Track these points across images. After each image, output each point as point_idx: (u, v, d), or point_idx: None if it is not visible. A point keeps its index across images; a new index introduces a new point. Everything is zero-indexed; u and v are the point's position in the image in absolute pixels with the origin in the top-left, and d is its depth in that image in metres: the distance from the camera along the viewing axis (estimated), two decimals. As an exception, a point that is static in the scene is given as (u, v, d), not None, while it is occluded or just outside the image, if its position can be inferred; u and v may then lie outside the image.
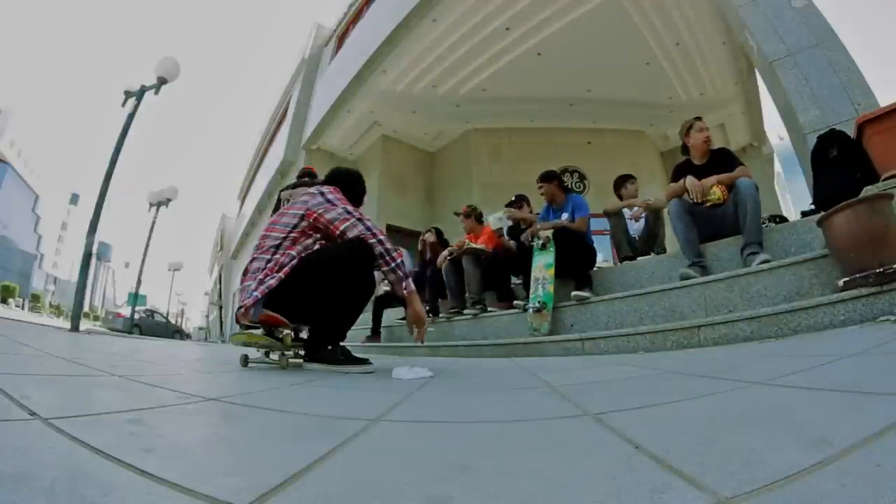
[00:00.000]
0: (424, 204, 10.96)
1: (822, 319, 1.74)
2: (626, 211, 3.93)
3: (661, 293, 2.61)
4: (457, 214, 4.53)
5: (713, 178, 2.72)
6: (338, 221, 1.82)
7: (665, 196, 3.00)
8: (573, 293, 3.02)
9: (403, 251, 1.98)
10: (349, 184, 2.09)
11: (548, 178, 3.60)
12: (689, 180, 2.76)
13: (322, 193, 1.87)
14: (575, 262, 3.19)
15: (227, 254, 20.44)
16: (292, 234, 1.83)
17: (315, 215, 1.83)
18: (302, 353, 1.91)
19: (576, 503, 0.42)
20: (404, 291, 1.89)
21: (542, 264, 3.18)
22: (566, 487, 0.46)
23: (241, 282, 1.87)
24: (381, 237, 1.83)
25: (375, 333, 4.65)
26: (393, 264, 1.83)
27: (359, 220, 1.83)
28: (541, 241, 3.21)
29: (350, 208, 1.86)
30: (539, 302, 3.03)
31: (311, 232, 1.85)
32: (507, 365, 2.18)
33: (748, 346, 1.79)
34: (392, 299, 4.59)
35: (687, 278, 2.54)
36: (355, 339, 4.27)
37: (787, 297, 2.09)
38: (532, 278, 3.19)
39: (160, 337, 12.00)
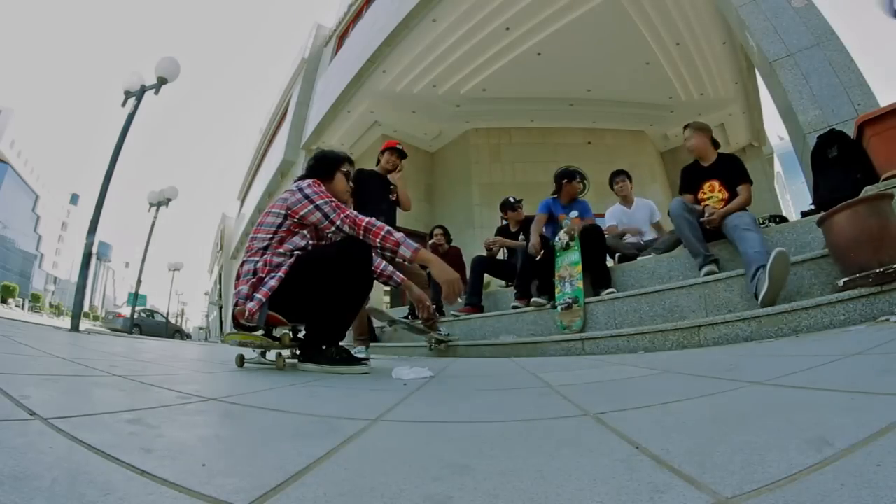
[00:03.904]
0: (424, 204, 10.95)
1: (822, 319, 1.74)
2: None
3: (661, 293, 2.62)
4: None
5: (720, 218, 2.64)
6: (322, 227, 1.82)
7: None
8: (605, 291, 3.03)
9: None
10: (320, 167, 2.04)
11: (572, 176, 3.71)
12: (707, 213, 2.71)
13: (300, 189, 1.83)
14: (599, 259, 3.25)
15: (227, 254, 20.44)
16: (279, 234, 1.81)
17: (298, 215, 1.81)
18: (298, 353, 1.91)
19: (576, 503, 0.42)
20: (407, 262, 1.76)
21: (568, 263, 3.20)
22: (566, 487, 0.46)
23: (235, 286, 1.86)
24: (360, 232, 1.76)
25: (475, 304, 3.98)
26: (378, 248, 1.76)
27: (338, 227, 1.78)
28: (563, 242, 3.24)
29: (328, 208, 1.79)
30: (569, 298, 3.03)
31: (296, 229, 1.83)
32: (508, 365, 2.18)
33: (748, 346, 1.79)
34: (491, 264, 4.19)
35: (711, 273, 2.52)
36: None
37: (787, 297, 2.09)
38: (557, 278, 3.21)
39: (160, 337, 12.00)
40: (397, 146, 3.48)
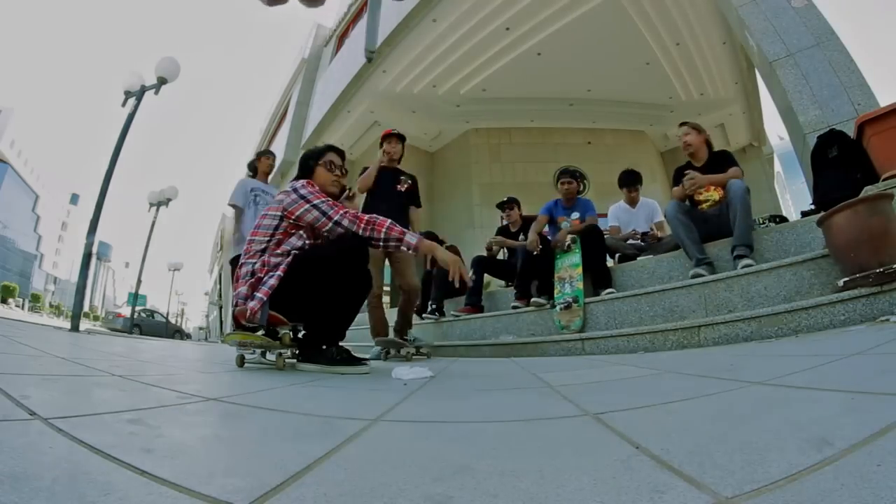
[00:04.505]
0: (424, 204, 10.91)
1: (822, 319, 1.74)
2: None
3: (661, 293, 2.61)
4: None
5: (705, 179, 2.78)
6: (318, 224, 1.82)
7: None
8: (605, 291, 3.03)
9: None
10: (301, 169, 2.04)
11: (577, 176, 3.72)
12: (686, 179, 2.82)
13: (295, 190, 1.84)
14: (599, 259, 3.25)
15: (227, 254, 20.42)
16: (277, 236, 1.82)
17: (295, 216, 1.81)
18: (298, 352, 1.91)
19: (576, 503, 0.42)
20: (412, 250, 1.78)
21: (568, 265, 3.21)
22: (566, 487, 0.46)
23: (234, 288, 1.87)
24: (361, 226, 1.77)
25: (475, 304, 4.02)
26: (382, 240, 1.78)
27: (336, 223, 1.78)
28: (566, 244, 3.25)
29: (325, 206, 1.80)
30: (569, 298, 3.03)
31: (293, 230, 1.84)
32: (508, 365, 2.18)
33: (748, 346, 1.79)
34: (491, 264, 4.28)
35: (697, 276, 2.54)
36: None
37: (787, 297, 2.09)
38: (557, 279, 3.21)
39: (160, 337, 12.00)
40: (393, 132, 3.26)
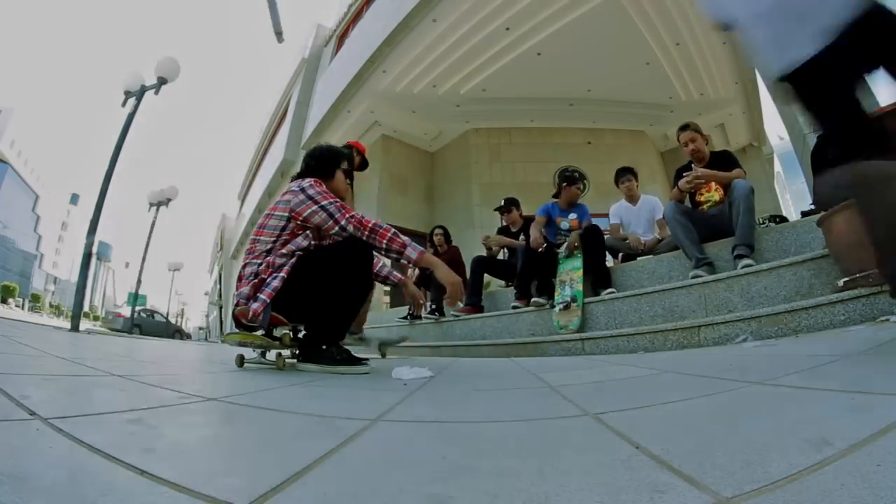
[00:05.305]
0: (424, 204, 10.96)
1: (822, 319, 1.74)
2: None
3: (661, 293, 2.62)
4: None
5: (710, 172, 2.78)
6: (326, 227, 1.80)
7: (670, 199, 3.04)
8: (605, 291, 3.03)
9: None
10: (320, 166, 2.01)
11: (571, 181, 3.73)
12: (683, 180, 2.83)
13: (303, 190, 1.81)
14: (599, 260, 3.27)
15: (227, 254, 20.42)
16: (283, 237, 1.81)
17: (302, 217, 1.80)
18: (298, 353, 1.91)
19: (576, 503, 0.42)
20: (412, 265, 1.79)
21: (570, 269, 3.23)
22: (566, 487, 0.46)
23: (237, 287, 1.86)
24: (365, 234, 1.75)
25: (475, 304, 4.02)
26: (383, 250, 1.77)
27: (342, 227, 1.76)
28: (567, 250, 3.26)
29: (333, 208, 1.77)
30: (569, 297, 3.03)
31: (299, 231, 1.83)
32: (508, 365, 2.18)
33: (748, 346, 1.79)
34: (491, 264, 4.26)
35: (697, 277, 2.55)
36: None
37: (787, 297, 2.09)
38: (557, 282, 3.23)
39: (160, 337, 12.00)
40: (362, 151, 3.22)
